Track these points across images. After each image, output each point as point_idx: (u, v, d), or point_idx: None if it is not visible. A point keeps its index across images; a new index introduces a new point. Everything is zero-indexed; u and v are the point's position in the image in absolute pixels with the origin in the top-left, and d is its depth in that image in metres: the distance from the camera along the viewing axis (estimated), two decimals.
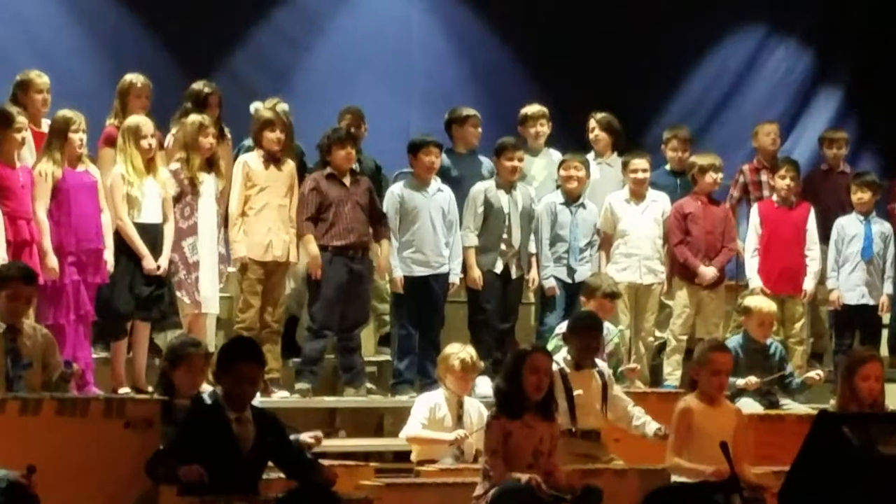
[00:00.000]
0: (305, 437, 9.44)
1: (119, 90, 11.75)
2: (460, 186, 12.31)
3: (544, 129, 13.07)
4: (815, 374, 11.88)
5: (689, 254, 12.53)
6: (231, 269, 11.65)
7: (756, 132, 13.62)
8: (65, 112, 10.86)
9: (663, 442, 9.72)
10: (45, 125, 11.14)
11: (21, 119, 10.76)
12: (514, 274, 12.27)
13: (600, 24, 14.92)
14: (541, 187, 12.73)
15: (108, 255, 10.82)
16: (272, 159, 11.62)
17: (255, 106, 12.19)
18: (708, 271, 12.48)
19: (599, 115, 13.10)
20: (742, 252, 12.96)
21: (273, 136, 11.61)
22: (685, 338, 12.36)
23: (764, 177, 13.28)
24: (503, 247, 12.22)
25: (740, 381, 10.99)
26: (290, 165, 11.73)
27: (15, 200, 10.55)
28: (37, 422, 8.49)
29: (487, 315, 12.19)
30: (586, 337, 10.28)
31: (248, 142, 11.98)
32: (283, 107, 12.15)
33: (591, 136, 13.13)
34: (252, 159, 11.62)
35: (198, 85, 12.00)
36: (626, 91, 14.32)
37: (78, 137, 10.76)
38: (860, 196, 12.91)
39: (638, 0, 15.08)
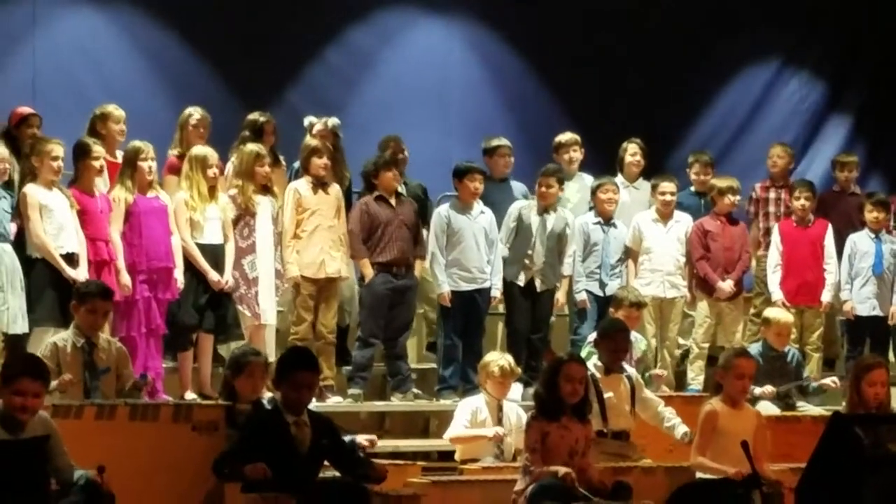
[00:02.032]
0: (361, 438, 9.47)
1: (179, 122, 11.80)
2: (494, 211, 12.23)
3: (577, 155, 13.05)
4: (832, 380, 11.90)
5: (708, 269, 12.51)
6: (287, 285, 11.66)
7: (768, 154, 13.61)
8: (135, 143, 10.92)
9: (688, 445, 9.75)
10: (119, 156, 11.19)
11: (98, 149, 10.81)
12: (538, 288, 12.22)
13: (628, 57, 14.90)
14: (574, 209, 12.69)
15: (178, 274, 10.85)
16: (320, 184, 11.62)
17: (310, 119, 12.24)
18: (725, 286, 12.45)
19: (639, 143, 13.10)
20: (753, 264, 12.96)
21: (320, 163, 11.61)
22: (707, 346, 12.34)
23: (773, 194, 13.24)
24: (526, 262, 12.18)
25: (758, 390, 10.96)
26: (336, 189, 11.73)
27: (94, 224, 10.61)
28: (111, 426, 8.55)
29: (516, 325, 12.18)
30: (614, 341, 10.27)
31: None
32: (333, 121, 12.21)
33: (633, 159, 13.08)
34: (301, 186, 11.62)
35: (254, 115, 12.01)
36: (653, 119, 14.29)
37: (147, 165, 10.81)
38: (876, 215, 12.84)
39: (662, 35, 15.03)
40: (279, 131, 12.13)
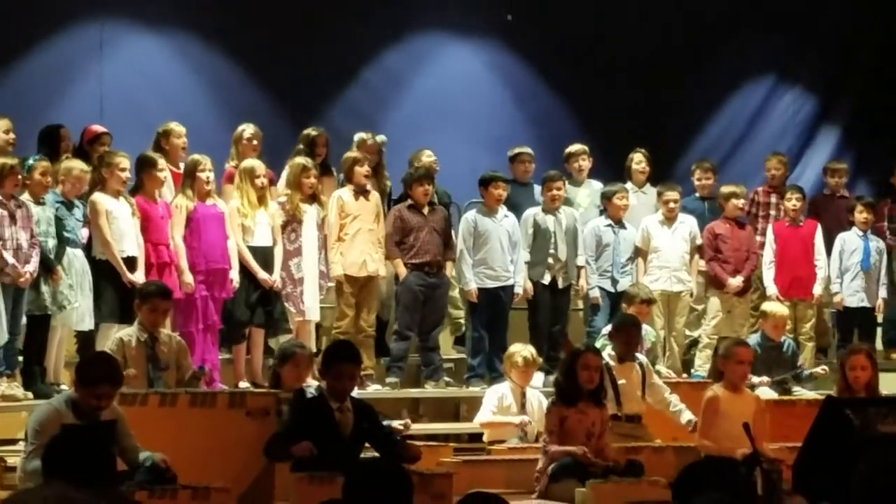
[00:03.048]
0: (396, 423, 9.48)
1: (234, 137, 11.78)
2: (517, 211, 12.26)
3: (586, 163, 12.99)
4: (821, 369, 11.91)
5: (718, 268, 12.48)
6: (330, 284, 11.67)
7: (766, 163, 13.58)
8: (194, 156, 10.96)
9: (692, 431, 9.76)
10: (182, 167, 11.21)
11: (162, 162, 10.86)
12: (560, 284, 12.17)
13: (635, 74, 14.86)
14: (585, 213, 12.67)
15: (233, 274, 10.86)
16: (361, 192, 11.63)
17: (360, 135, 12.25)
18: (734, 282, 12.42)
19: (644, 153, 13.06)
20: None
21: (362, 171, 11.62)
22: (716, 337, 12.30)
23: (773, 199, 13.20)
24: (550, 261, 12.13)
25: (755, 379, 10.91)
26: (376, 196, 11.73)
27: (156, 229, 10.63)
28: (173, 413, 8.58)
29: (539, 319, 12.14)
30: (627, 334, 10.32)
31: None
32: (381, 138, 12.32)
33: (638, 167, 13.05)
34: (344, 193, 11.61)
35: (308, 130, 12.02)
36: (658, 130, 14.26)
37: (205, 176, 10.83)
38: (865, 216, 12.81)
39: (666, 54, 15.00)
40: (329, 144, 12.13)
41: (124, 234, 10.42)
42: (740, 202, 12.65)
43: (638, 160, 13.09)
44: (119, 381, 7.86)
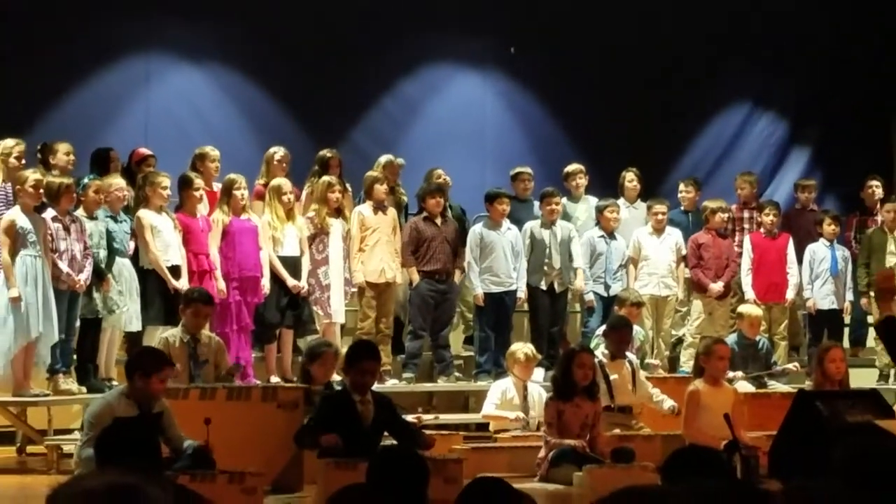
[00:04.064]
0: (410, 417, 9.49)
1: (265, 158, 11.77)
2: (519, 224, 12.22)
3: (582, 181, 12.97)
4: (793, 366, 11.92)
5: (701, 275, 12.44)
6: (353, 290, 11.67)
7: (735, 182, 13.53)
8: (231, 175, 10.98)
9: (675, 416, 9.75)
10: (216, 186, 11.23)
11: (199, 181, 10.89)
12: (557, 289, 12.13)
13: (627, 101, 14.84)
14: (583, 225, 12.64)
15: (265, 281, 10.87)
16: (380, 207, 11.63)
17: (387, 158, 12.25)
18: (715, 287, 12.38)
19: (635, 171, 13.04)
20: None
21: (382, 189, 11.62)
22: (699, 336, 12.28)
23: (746, 213, 13.17)
24: (546, 269, 12.08)
25: (730, 374, 10.90)
26: (392, 211, 11.74)
27: (196, 241, 10.66)
28: (212, 405, 8.58)
29: (539, 321, 12.12)
30: (619, 334, 10.35)
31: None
32: (400, 160, 12.34)
33: (630, 184, 13.01)
34: (365, 209, 11.62)
35: (323, 152, 12.01)
36: (648, 151, 14.24)
37: (240, 194, 10.85)
38: (833, 228, 12.80)
39: (655, 83, 14.99)
40: (344, 164, 12.11)
41: (168, 246, 10.45)
42: (725, 216, 12.64)
43: (630, 178, 13.07)
44: (173, 366, 7.98)
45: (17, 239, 9.51)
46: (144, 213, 10.43)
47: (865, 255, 12.84)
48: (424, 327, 11.71)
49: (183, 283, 10.34)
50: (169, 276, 10.36)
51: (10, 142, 10.37)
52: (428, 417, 10.48)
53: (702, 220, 12.71)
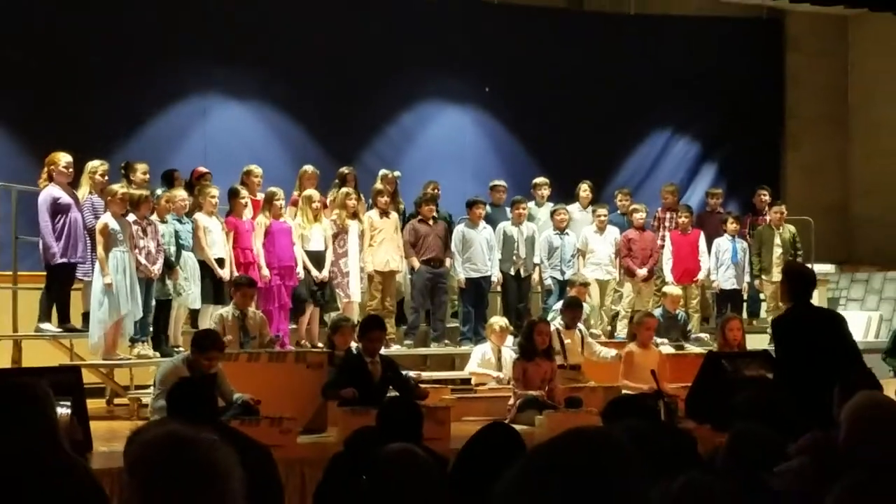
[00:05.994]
0: (412, 373, 9.46)
1: (299, 174, 11.67)
2: (493, 225, 12.15)
3: (546, 191, 12.90)
4: (704, 334, 11.92)
5: (630, 263, 12.42)
6: (365, 276, 11.63)
7: (661, 191, 13.53)
8: (272, 188, 10.89)
9: (618, 363, 9.72)
10: (259, 195, 11.16)
11: (243, 192, 10.82)
12: (522, 274, 12.12)
13: (580, 129, 14.89)
14: (544, 225, 12.61)
15: (298, 269, 10.82)
16: (384, 213, 11.61)
17: (383, 171, 12.18)
18: (641, 272, 12.38)
19: (589, 183, 12.99)
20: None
21: (383, 199, 11.60)
22: (630, 310, 12.29)
23: (668, 215, 13.14)
24: (514, 258, 12.06)
25: (657, 340, 10.89)
26: (394, 216, 11.68)
27: (243, 239, 10.60)
28: (257, 366, 8.62)
29: (509, 299, 12.09)
30: (572, 310, 10.33)
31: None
32: (396, 173, 12.22)
33: (584, 194, 12.93)
34: (373, 214, 11.57)
35: (342, 168, 11.98)
36: (593, 167, 14.24)
37: (279, 203, 10.80)
38: (735, 226, 12.83)
39: (602, 115, 15.04)
40: (358, 178, 12.09)
41: (215, 242, 10.42)
42: (641, 215, 12.61)
43: (584, 189, 13.02)
44: (223, 349, 7.92)
45: (109, 238, 9.50)
46: (199, 217, 10.40)
47: (757, 247, 12.87)
48: (422, 304, 11.67)
49: (225, 273, 10.31)
50: (216, 266, 10.33)
51: (96, 162, 10.33)
52: (424, 375, 10.45)
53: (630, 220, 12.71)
